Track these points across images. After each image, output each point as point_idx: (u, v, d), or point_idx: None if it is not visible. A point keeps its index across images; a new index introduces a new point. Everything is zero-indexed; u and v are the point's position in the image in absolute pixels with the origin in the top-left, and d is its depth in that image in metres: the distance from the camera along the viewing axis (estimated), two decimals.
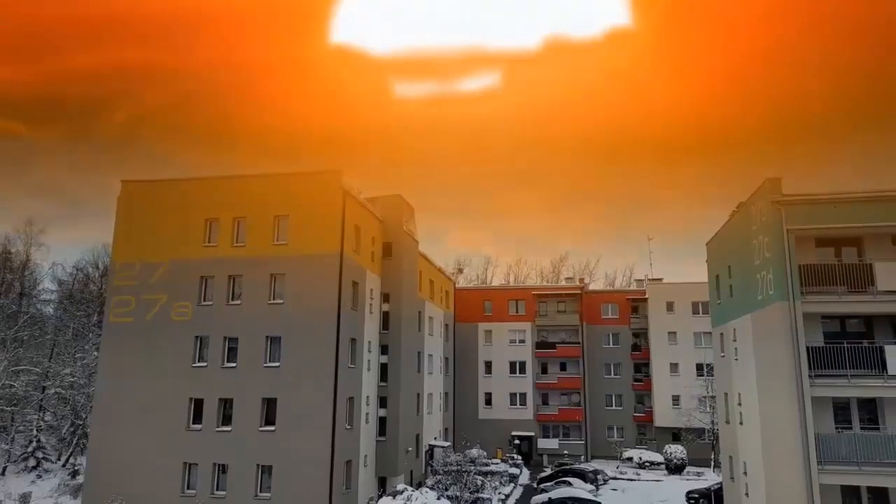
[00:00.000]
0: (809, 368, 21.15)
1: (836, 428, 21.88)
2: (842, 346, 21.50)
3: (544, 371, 57.12)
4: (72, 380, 46.57)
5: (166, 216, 31.38)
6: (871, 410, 22.13)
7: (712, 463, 48.56)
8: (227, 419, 28.84)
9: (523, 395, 56.14)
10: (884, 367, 20.91)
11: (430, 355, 44.76)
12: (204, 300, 30.24)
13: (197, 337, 29.82)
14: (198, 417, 29.09)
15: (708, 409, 49.41)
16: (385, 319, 35.78)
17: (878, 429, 21.74)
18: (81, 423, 44.84)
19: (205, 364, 29.51)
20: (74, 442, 45.50)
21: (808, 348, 21.30)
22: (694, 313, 54.93)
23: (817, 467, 20.54)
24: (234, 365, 29.18)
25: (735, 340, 28.02)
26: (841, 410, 22.23)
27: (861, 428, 21.98)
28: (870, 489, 21.69)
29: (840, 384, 21.16)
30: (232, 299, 30.01)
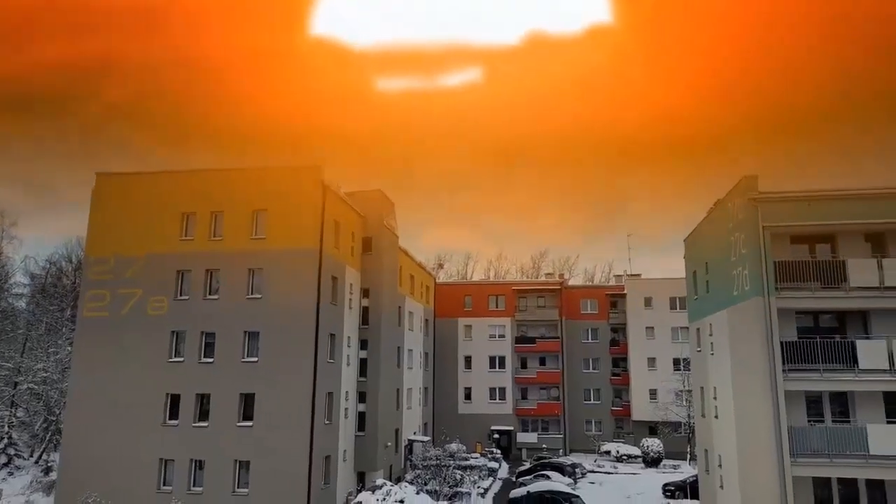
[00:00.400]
0: (783, 363, 21.56)
1: (809, 421, 22.32)
2: (815, 340, 21.93)
3: (524, 366, 57.45)
4: (45, 375, 45.77)
5: (142, 209, 30.88)
6: (842, 403, 22.61)
7: (688, 456, 49.27)
8: (204, 415, 28.55)
9: (503, 390, 56.41)
10: (855, 361, 21.37)
11: (410, 350, 44.72)
12: (180, 295, 29.86)
13: (173, 332, 29.44)
14: (174, 413, 28.75)
15: (684, 403, 50.06)
16: (365, 314, 35.67)
17: (848, 422, 22.20)
18: (55, 419, 44.11)
19: (181, 359, 29.18)
20: (47, 438, 44.76)
21: (782, 343, 21.69)
22: (671, 309, 55.61)
23: (790, 459, 20.96)
24: (211, 360, 28.89)
25: (711, 335, 28.38)
26: (813, 404, 22.69)
27: (833, 421, 22.44)
28: (840, 480, 22.21)
29: (813, 378, 21.62)
30: (209, 294, 29.68)
